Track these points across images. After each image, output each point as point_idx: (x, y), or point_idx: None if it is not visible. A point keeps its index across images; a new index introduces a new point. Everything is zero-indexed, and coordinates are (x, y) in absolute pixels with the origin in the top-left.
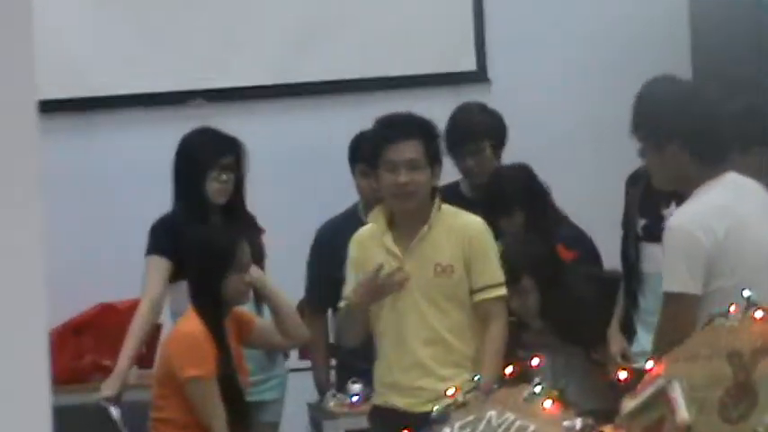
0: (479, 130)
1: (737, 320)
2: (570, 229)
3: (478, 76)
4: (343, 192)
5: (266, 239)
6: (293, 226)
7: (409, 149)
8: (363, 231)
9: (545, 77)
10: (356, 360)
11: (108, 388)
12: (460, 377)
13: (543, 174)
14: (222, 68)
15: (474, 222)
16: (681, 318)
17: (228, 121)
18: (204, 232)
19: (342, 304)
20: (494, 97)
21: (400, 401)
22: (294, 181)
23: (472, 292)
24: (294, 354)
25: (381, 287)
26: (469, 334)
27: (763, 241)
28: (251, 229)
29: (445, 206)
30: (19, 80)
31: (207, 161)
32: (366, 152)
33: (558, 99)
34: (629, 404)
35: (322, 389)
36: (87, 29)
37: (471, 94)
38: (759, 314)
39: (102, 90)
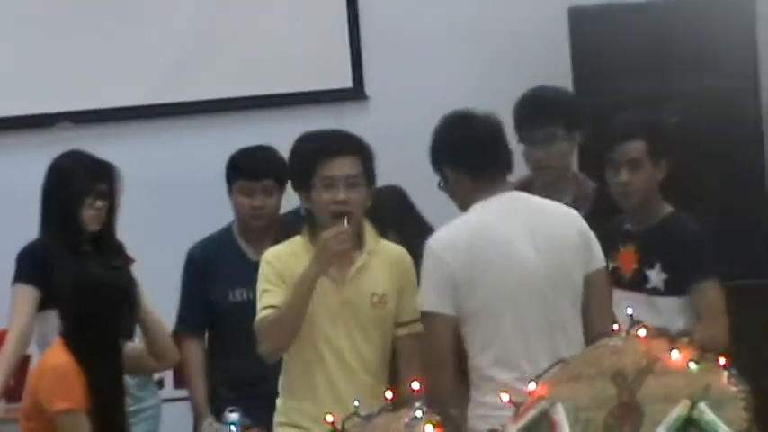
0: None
1: (621, 340)
2: None
3: (356, 93)
4: (216, 212)
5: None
6: (162, 250)
7: (348, 165)
8: (280, 248)
9: (423, 93)
10: (224, 387)
11: None
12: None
13: (424, 189)
14: (91, 90)
15: (406, 253)
16: (436, 337)
17: (97, 143)
18: (99, 273)
19: (266, 313)
20: (371, 114)
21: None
22: (163, 203)
23: (398, 324)
24: (169, 382)
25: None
26: (384, 365)
27: (518, 262)
28: (122, 259)
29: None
30: None
31: (81, 188)
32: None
33: (437, 114)
34: (511, 428)
35: (200, 415)
36: None
37: (350, 112)
38: (642, 332)
39: None
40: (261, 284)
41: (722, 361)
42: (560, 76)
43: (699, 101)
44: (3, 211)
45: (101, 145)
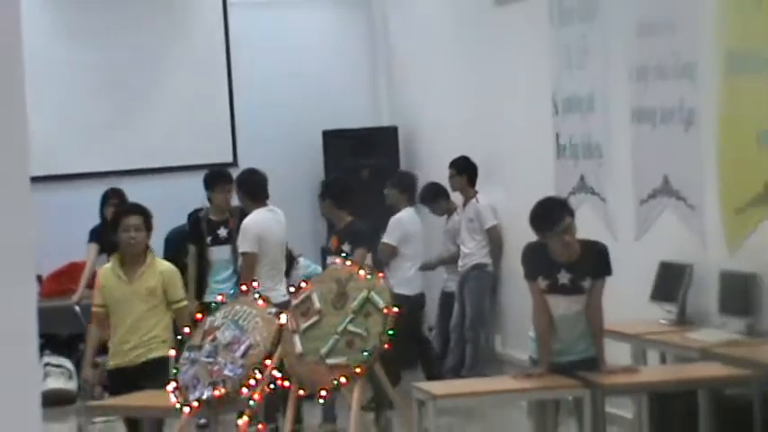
0: None
1: (341, 265)
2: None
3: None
4: None
5: None
6: None
7: (135, 219)
8: (107, 266)
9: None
10: None
11: None
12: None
13: None
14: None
15: (169, 264)
16: None
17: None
18: None
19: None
20: None
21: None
22: None
23: (169, 303)
24: None
25: None
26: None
27: None
28: None
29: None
30: None
31: None
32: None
33: None
34: (295, 300)
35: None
36: None
37: None
38: (348, 262)
39: None
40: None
41: (380, 275)
42: None
43: None
44: None
45: None
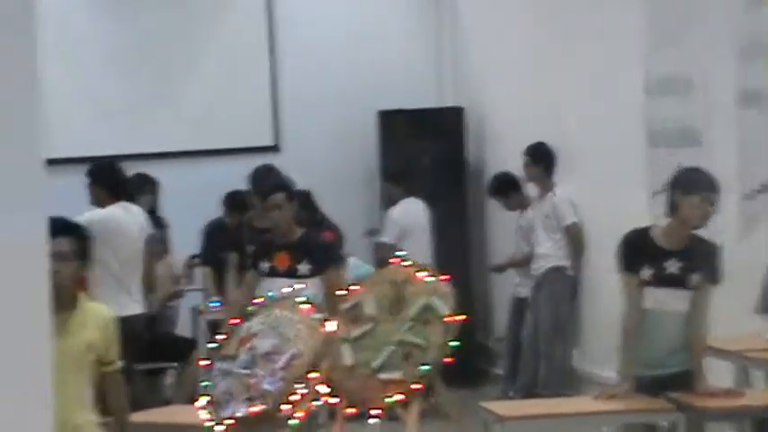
0: None
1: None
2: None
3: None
4: None
5: None
6: None
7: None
8: None
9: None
10: None
11: None
12: None
13: None
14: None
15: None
16: None
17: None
18: None
19: None
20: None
21: None
22: None
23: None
24: None
25: None
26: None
27: None
28: None
29: None
30: None
31: None
32: None
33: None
34: (345, 306)
35: None
36: None
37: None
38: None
39: None
40: None
41: (443, 277)
42: None
43: None
44: None
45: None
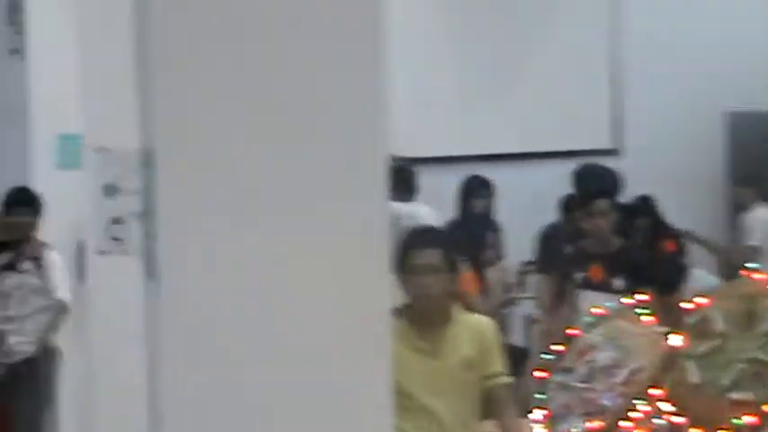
0: None
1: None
2: None
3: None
4: None
5: None
6: None
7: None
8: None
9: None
10: None
11: None
12: None
13: None
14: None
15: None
16: None
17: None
18: None
19: None
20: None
21: None
22: None
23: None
24: None
25: None
26: None
27: None
28: None
29: None
30: None
31: None
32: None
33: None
34: (691, 319)
35: None
36: None
37: None
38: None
39: None
40: None
41: None
42: None
43: None
44: None
45: None
